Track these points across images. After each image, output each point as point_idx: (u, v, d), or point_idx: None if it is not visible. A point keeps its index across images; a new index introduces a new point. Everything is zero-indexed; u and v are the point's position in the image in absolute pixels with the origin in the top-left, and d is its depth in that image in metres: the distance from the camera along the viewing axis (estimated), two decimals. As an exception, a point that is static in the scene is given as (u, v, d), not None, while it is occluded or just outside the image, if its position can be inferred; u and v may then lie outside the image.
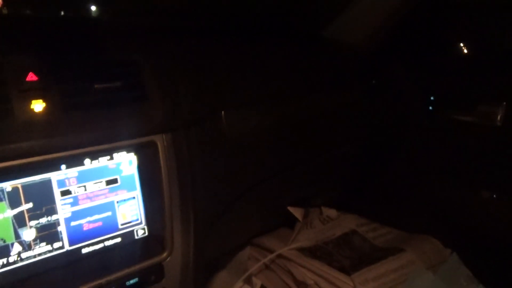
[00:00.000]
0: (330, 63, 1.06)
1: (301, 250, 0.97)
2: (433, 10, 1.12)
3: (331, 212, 1.14)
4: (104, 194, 0.62)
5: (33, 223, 0.55)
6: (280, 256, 0.97)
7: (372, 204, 1.23)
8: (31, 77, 0.53)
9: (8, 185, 0.53)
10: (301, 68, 0.97)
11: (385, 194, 1.22)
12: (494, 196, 0.97)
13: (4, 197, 0.53)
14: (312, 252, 0.97)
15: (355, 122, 1.10)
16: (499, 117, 0.94)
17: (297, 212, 1.06)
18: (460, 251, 1.00)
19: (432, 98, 1.08)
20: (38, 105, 0.52)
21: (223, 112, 0.78)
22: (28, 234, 0.55)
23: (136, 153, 0.64)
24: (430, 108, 1.08)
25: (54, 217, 0.57)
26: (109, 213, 0.63)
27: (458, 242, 1.03)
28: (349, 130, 1.10)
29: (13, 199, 0.53)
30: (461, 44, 1.15)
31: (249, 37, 0.96)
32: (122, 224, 0.64)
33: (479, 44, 1.16)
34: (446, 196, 1.11)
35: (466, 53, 1.16)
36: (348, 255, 0.98)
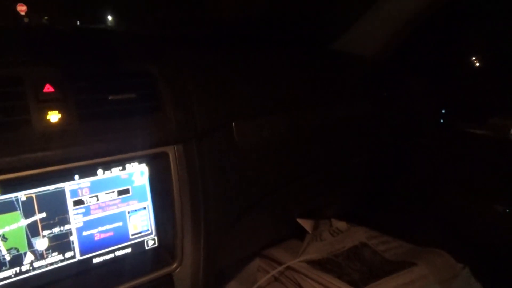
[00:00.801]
0: (340, 74, 1.06)
1: (311, 262, 0.96)
2: (444, 22, 1.12)
3: (341, 224, 1.13)
4: (115, 204, 0.62)
5: (46, 232, 0.56)
6: (289, 268, 0.96)
7: (382, 216, 1.21)
8: (48, 88, 0.54)
9: (22, 195, 0.54)
10: (312, 79, 0.97)
11: (396, 206, 1.21)
12: (508, 210, 0.96)
13: (18, 206, 0.53)
14: (322, 264, 0.96)
15: (366, 133, 1.10)
16: (512, 131, 0.93)
17: (306, 224, 1.06)
18: (472, 266, 0.99)
19: (443, 111, 1.07)
20: (54, 116, 0.53)
21: (234, 122, 0.78)
22: (41, 243, 0.56)
23: (147, 164, 0.65)
24: (442, 120, 1.08)
25: (66, 227, 0.58)
26: (120, 223, 0.63)
27: (470, 256, 1.01)
28: (360, 141, 1.10)
29: (27, 209, 0.54)
30: (473, 56, 1.15)
31: (261, 48, 0.97)
32: (133, 235, 0.64)
33: (492, 56, 1.15)
34: (458, 210, 1.09)
35: (478, 65, 1.15)
36: (358, 268, 0.97)
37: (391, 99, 1.11)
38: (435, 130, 1.10)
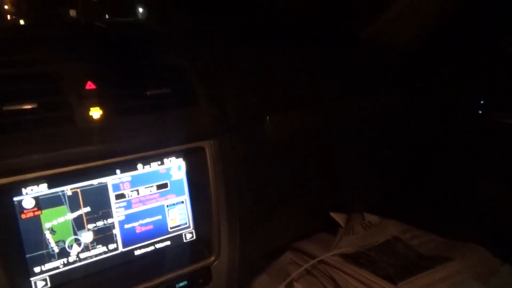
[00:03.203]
0: (371, 65, 1.04)
1: (344, 256, 0.95)
2: (482, 9, 1.07)
3: (373, 218, 1.12)
4: (155, 198, 0.64)
5: (90, 226, 0.58)
6: (322, 262, 0.96)
7: (415, 210, 1.19)
8: (90, 85, 0.55)
9: (68, 189, 0.55)
10: (343, 70, 0.96)
11: (430, 199, 1.18)
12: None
13: (65, 200, 0.55)
14: (355, 259, 0.95)
15: (399, 124, 1.08)
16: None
17: (339, 217, 1.05)
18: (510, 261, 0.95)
19: (482, 102, 1.03)
20: (95, 112, 0.54)
21: (267, 115, 0.78)
22: (86, 236, 0.58)
23: (184, 159, 0.66)
24: (480, 112, 1.04)
25: (109, 220, 0.59)
26: (159, 217, 0.64)
27: (508, 251, 0.97)
28: (392, 133, 1.08)
29: (73, 203, 0.56)
30: (513, 45, 1.09)
31: (292, 41, 0.96)
32: (171, 228, 0.66)
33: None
34: (495, 203, 1.06)
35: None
36: (392, 263, 0.95)
37: (425, 89, 1.08)
38: (472, 121, 1.07)
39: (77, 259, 0.58)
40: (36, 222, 0.54)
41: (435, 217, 1.15)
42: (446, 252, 0.99)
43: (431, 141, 1.14)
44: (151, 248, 0.64)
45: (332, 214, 1.05)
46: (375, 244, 1.02)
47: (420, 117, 1.09)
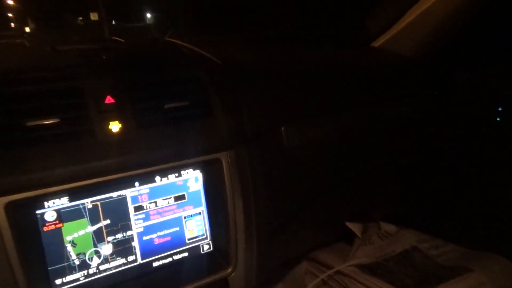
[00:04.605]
0: (388, 74, 1.03)
1: (360, 267, 0.94)
2: (498, 15, 1.06)
3: (390, 228, 1.10)
4: (172, 209, 0.64)
5: (110, 238, 0.59)
6: (338, 272, 0.95)
7: (433, 219, 1.17)
8: (109, 100, 0.56)
9: (88, 202, 0.56)
10: (359, 80, 0.96)
11: (448, 208, 1.17)
12: None
13: (85, 213, 0.56)
14: (372, 269, 0.94)
15: (416, 133, 1.06)
16: None
17: (355, 227, 1.04)
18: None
19: (500, 109, 1.02)
20: (115, 126, 0.56)
21: (282, 126, 0.78)
22: (106, 248, 0.59)
23: (201, 170, 0.66)
24: (498, 119, 1.02)
25: (128, 232, 0.60)
26: (177, 228, 0.65)
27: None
28: (410, 141, 1.06)
29: (93, 216, 0.57)
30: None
31: (307, 51, 0.96)
32: (189, 239, 0.66)
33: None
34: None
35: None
36: (410, 274, 0.94)
37: (443, 97, 1.06)
38: (491, 129, 1.05)
39: (97, 271, 0.58)
40: (57, 234, 0.55)
41: (454, 226, 1.13)
42: (466, 262, 0.97)
43: (449, 148, 1.12)
44: (169, 259, 0.64)
45: (348, 224, 1.04)
46: (392, 254, 1.01)
47: (438, 124, 1.07)
